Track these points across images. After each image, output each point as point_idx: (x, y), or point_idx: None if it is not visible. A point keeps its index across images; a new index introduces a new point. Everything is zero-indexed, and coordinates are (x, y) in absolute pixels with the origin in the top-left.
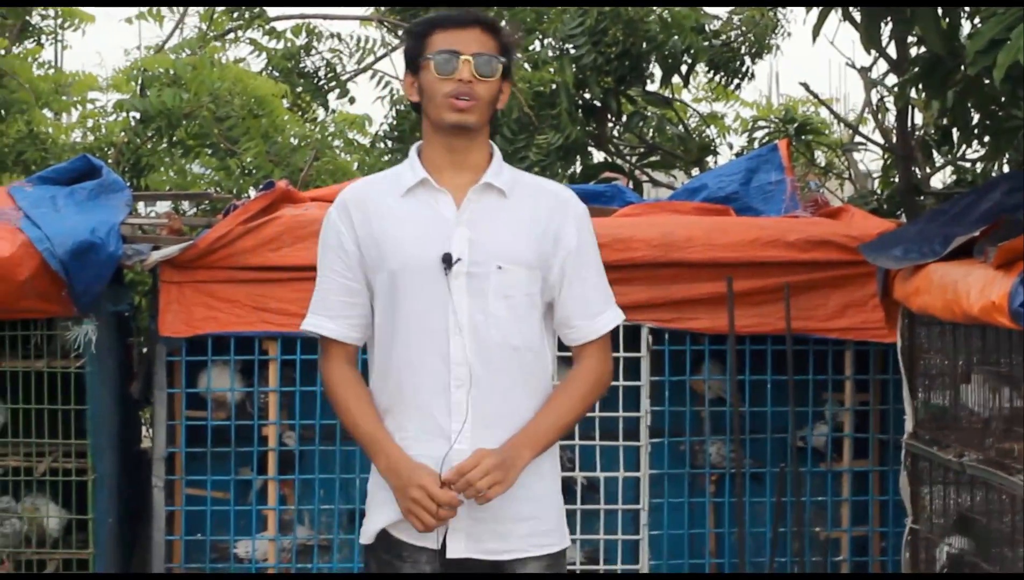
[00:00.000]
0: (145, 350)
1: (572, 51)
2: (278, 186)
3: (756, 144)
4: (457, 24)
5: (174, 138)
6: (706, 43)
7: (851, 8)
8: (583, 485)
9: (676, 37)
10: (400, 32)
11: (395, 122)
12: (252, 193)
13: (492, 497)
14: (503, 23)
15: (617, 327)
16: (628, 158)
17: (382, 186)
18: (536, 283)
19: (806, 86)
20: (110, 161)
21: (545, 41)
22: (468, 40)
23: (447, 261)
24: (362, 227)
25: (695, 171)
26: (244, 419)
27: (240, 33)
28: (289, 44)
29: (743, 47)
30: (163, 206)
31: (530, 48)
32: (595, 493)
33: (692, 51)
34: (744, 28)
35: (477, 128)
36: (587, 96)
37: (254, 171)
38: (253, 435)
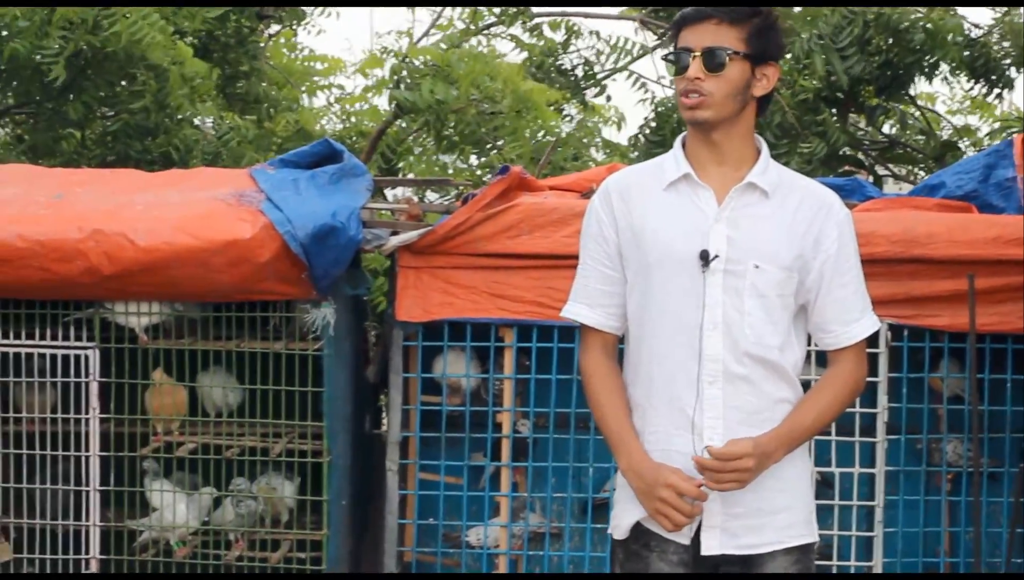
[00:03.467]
0: (381, 334)
1: (840, 59)
2: (513, 171)
3: None
4: (692, 20)
5: (441, 133)
6: (966, 52)
7: None
8: (817, 480)
9: (939, 52)
10: (660, 32)
11: (656, 124)
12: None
13: (729, 489)
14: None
15: None
16: (869, 152)
17: (645, 177)
18: (791, 285)
19: None
20: (361, 154)
21: (807, 44)
22: (701, 35)
23: (704, 258)
24: (623, 216)
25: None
26: (479, 405)
27: (503, 28)
28: (548, 41)
29: (1005, 57)
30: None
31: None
32: (829, 489)
33: (952, 61)
34: (1006, 37)
35: (715, 123)
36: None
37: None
38: (487, 421)
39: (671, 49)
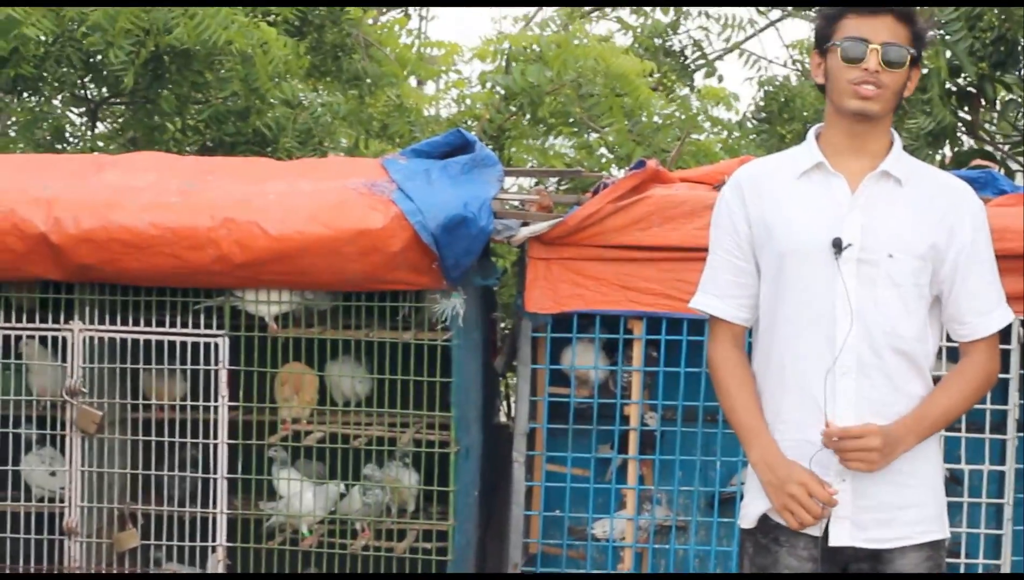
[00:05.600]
0: (507, 324)
1: (947, 38)
2: (648, 165)
3: None
4: (868, 11)
5: (537, 115)
6: None
7: None
8: (946, 477)
9: None
10: (769, 11)
11: (763, 104)
12: (615, 171)
13: (854, 469)
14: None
15: None
16: (1000, 146)
17: (776, 167)
18: (926, 274)
19: None
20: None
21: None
22: (879, 28)
23: (838, 246)
24: (754, 207)
25: None
26: (606, 397)
27: (607, 10)
28: (655, 23)
29: None
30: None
31: None
32: (958, 485)
33: None
34: None
35: (880, 117)
36: (960, 82)
37: (616, 149)
38: (615, 414)
39: (846, 36)
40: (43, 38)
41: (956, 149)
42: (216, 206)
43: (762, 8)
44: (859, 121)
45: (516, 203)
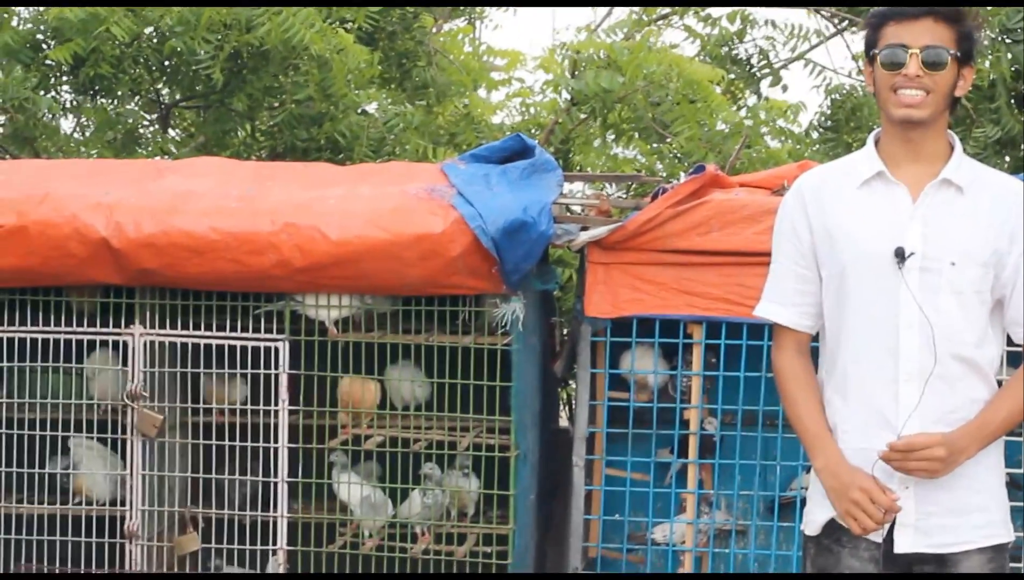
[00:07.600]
0: (568, 329)
1: (1007, 41)
2: (708, 170)
3: None
4: (908, 16)
5: (607, 120)
6: None
7: None
8: (1005, 482)
9: None
10: (837, 21)
11: (830, 112)
12: (682, 177)
13: (917, 476)
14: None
15: None
16: None
17: (837, 175)
18: (988, 280)
19: None
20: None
21: (984, 34)
22: (918, 32)
23: (900, 255)
24: (816, 216)
25: None
26: (666, 402)
27: (675, 18)
28: (723, 31)
29: None
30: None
31: None
32: (1018, 490)
33: None
34: None
35: (928, 122)
36: (1020, 86)
37: (684, 157)
38: (674, 418)
39: (886, 44)
40: (120, 39)
41: (1014, 155)
42: (276, 211)
43: (820, 10)
44: (908, 128)
45: (577, 208)
